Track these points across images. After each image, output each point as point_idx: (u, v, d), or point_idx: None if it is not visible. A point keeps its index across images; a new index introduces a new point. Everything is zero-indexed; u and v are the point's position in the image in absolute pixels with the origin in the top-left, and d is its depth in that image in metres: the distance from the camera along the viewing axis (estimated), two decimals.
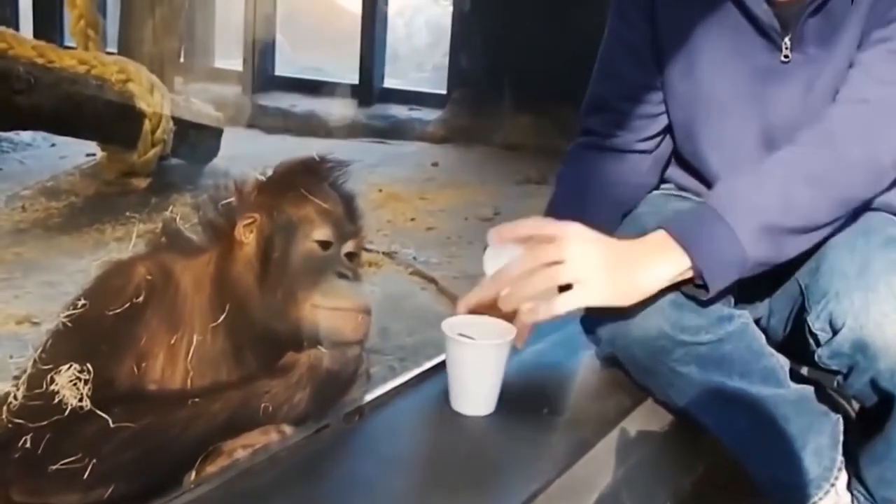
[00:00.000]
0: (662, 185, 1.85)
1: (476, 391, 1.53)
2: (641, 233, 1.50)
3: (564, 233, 1.45)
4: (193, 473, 1.36)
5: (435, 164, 5.71)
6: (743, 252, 1.43)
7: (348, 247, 1.60)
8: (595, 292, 1.44)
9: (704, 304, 1.50)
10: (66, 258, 3.85)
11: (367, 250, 1.75)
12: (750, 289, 1.62)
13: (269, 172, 1.65)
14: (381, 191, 4.87)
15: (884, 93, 1.51)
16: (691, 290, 1.48)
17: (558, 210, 1.70)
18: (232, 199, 1.62)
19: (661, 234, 1.46)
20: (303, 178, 1.61)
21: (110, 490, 1.34)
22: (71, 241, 4.19)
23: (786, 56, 1.60)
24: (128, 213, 4.45)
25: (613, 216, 1.72)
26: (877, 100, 1.51)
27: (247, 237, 1.57)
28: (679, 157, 1.81)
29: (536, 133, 5.94)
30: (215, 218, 1.63)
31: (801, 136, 1.53)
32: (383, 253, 3.80)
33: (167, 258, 1.61)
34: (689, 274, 1.45)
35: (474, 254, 3.88)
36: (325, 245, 1.56)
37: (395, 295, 3.26)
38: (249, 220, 1.58)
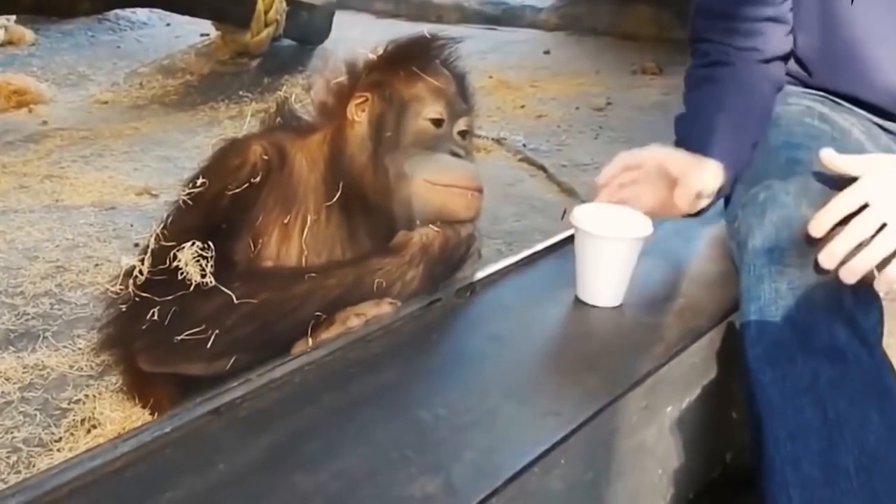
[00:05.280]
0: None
1: (608, 283, 1.47)
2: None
3: (866, 167, 1.30)
4: (309, 339, 1.40)
5: (547, 52, 5.60)
6: None
7: (460, 125, 1.59)
8: None
9: None
10: (182, 134, 3.94)
11: (476, 136, 1.73)
12: None
13: (380, 51, 1.63)
14: (491, 77, 4.81)
15: None
16: None
17: (704, 138, 1.49)
18: (343, 78, 1.63)
19: None
20: (414, 56, 1.60)
21: (232, 361, 1.39)
22: (186, 118, 4.29)
23: None
24: (241, 93, 4.53)
25: (760, 132, 1.54)
26: None
27: (359, 116, 1.57)
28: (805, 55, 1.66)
29: (653, 23, 5.75)
30: (327, 98, 1.64)
31: None
32: (492, 139, 3.76)
33: (282, 137, 1.62)
34: None
35: (584, 143, 3.83)
36: (437, 123, 1.55)
37: (503, 181, 3.24)
38: (361, 100, 1.58)
